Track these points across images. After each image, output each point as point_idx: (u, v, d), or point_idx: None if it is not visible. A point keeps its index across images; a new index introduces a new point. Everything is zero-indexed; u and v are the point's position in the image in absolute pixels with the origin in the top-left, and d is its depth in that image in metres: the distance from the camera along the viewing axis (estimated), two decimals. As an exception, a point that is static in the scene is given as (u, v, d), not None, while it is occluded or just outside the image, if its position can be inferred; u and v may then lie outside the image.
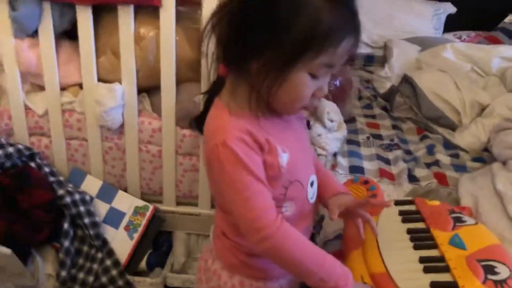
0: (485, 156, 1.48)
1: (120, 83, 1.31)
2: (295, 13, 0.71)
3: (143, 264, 1.38)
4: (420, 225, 0.99)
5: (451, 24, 2.73)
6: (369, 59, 2.39)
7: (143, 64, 1.29)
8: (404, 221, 1.00)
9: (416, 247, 0.92)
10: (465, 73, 1.75)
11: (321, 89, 0.79)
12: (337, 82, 1.64)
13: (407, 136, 1.64)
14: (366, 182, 1.15)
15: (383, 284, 0.85)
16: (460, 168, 1.40)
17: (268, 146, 0.78)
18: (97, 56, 1.29)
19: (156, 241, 1.44)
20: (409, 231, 0.97)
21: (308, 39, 0.72)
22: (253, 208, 0.76)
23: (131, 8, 1.22)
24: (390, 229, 0.99)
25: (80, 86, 1.35)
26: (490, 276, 0.83)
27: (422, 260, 0.89)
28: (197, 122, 0.91)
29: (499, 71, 1.86)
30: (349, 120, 1.69)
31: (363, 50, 2.41)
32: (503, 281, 0.83)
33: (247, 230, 0.78)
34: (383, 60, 2.24)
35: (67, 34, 1.33)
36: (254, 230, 0.76)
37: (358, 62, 2.41)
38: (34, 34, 1.27)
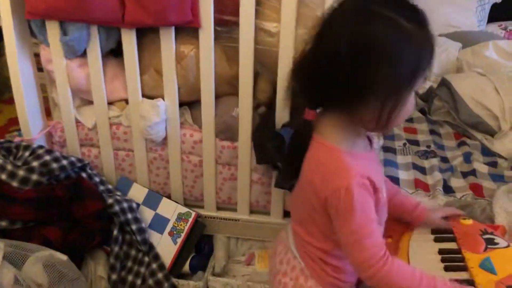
0: (524, 164, 1.47)
1: (163, 98, 1.38)
2: (407, 50, 0.75)
3: (186, 267, 1.47)
4: (452, 245, 1.01)
5: (496, 14, 2.65)
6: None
7: (184, 81, 1.35)
8: (437, 240, 1.03)
9: (446, 269, 0.96)
10: (507, 75, 1.72)
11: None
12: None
13: (444, 142, 1.63)
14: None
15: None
16: (498, 178, 1.40)
17: (375, 186, 0.84)
18: (141, 73, 1.37)
19: (198, 245, 1.52)
20: (441, 252, 1.00)
21: (420, 68, 0.77)
22: (364, 249, 0.82)
23: (172, 29, 1.28)
24: (422, 248, 1.03)
25: (126, 101, 1.43)
26: (518, 302, 0.86)
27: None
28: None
29: (544, 70, 1.82)
30: (386, 125, 1.70)
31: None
32: (532, 307, 0.85)
33: (358, 267, 0.85)
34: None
35: (113, 51, 1.41)
36: (364, 268, 0.83)
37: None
38: (83, 54, 1.36)
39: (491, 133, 1.58)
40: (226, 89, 1.38)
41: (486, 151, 1.55)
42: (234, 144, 1.41)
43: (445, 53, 2.06)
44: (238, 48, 1.27)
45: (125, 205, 1.42)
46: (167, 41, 1.29)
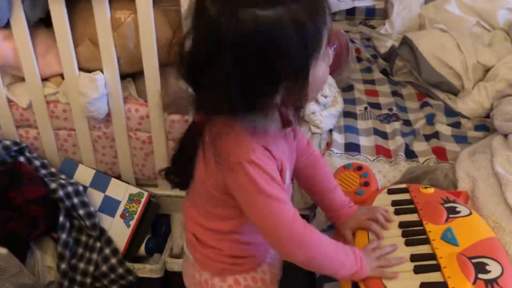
0: (487, 123, 1.42)
1: (102, 71, 1.26)
2: (283, 48, 0.67)
3: (142, 250, 1.39)
4: (413, 217, 0.96)
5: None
6: (370, 12, 2.27)
7: (123, 50, 1.24)
8: (397, 213, 0.98)
9: (407, 243, 0.90)
10: (469, 31, 1.66)
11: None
12: (332, 49, 1.56)
13: (407, 103, 1.57)
14: (359, 168, 1.11)
15: (372, 284, 0.84)
16: (461, 139, 1.35)
17: (281, 164, 0.78)
18: (75, 45, 1.24)
19: (154, 226, 1.44)
20: (401, 225, 0.94)
21: (307, 51, 0.69)
22: (284, 217, 0.76)
23: (104, -6, 1.15)
24: (382, 222, 0.97)
25: (62, 76, 1.30)
26: (481, 276, 0.81)
27: (413, 258, 0.86)
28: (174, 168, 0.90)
29: (506, 24, 1.76)
30: (347, 88, 1.62)
31: (363, 2, 2.29)
32: (494, 280, 0.81)
33: (280, 239, 0.77)
34: (385, 14, 2.13)
35: (44, 22, 1.27)
36: (288, 237, 0.76)
37: (358, 15, 2.30)
38: (7, 25, 1.21)
39: (454, 92, 1.53)
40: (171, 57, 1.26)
41: (449, 112, 1.49)
42: (185, 117, 1.31)
43: (406, 10, 1.97)
44: (180, 9, 1.15)
45: (70, 189, 1.32)
46: (100, 7, 1.16)
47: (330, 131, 1.39)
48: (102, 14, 1.17)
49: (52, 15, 1.18)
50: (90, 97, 1.24)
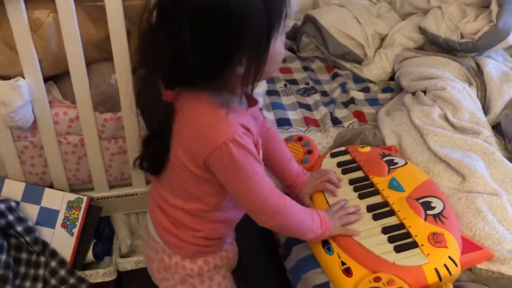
0: (391, 85, 1.59)
1: (23, 77, 1.18)
2: (246, 17, 0.71)
3: (90, 256, 1.35)
4: (359, 173, 1.07)
5: None
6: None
7: (45, 52, 1.17)
8: (344, 172, 1.08)
9: (360, 197, 1.01)
10: (361, 5, 1.82)
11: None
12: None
13: (319, 76, 1.69)
14: (300, 139, 1.20)
15: (341, 239, 0.93)
16: (373, 102, 1.50)
17: (256, 139, 0.83)
18: (-12, 51, 1.14)
19: (97, 230, 1.40)
20: (351, 182, 1.05)
21: (270, 22, 0.73)
22: (262, 189, 0.83)
23: (18, -7, 1.08)
24: (334, 182, 1.07)
25: (-25, 87, 1.19)
26: (429, 212, 0.95)
27: (369, 209, 0.98)
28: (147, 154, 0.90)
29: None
30: (262, 68, 1.70)
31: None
32: (440, 213, 0.95)
33: (258, 210, 0.85)
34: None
35: None
36: (267, 209, 0.84)
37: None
38: None
39: (359, 61, 1.68)
40: (97, 55, 1.23)
41: (357, 79, 1.64)
42: (118, 114, 1.28)
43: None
44: (104, 6, 1.13)
45: (1, 206, 1.23)
46: (15, 8, 1.08)
47: (260, 110, 1.45)
48: (17, 15, 1.09)
49: (-41, 20, 1.08)
50: (13, 105, 1.16)
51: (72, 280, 1.29)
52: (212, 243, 0.94)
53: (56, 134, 1.27)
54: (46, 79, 1.24)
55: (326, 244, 0.94)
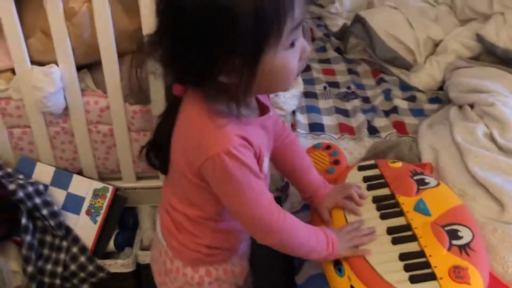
0: (440, 95, 1.48)
1: (57, 64, 1.20)
2: (233, 16, 0.64)
3: (111, 245, 1.36)
4: (385, 191, 0.99)
5: None
6: (318, -9, 2.29)
7: (78, 41, 1.18)
8: (369, 188, 1.01)
9: (382, 217, 0.93)
10: (417, 7, 1.71)
11: (304, 49, 0.74)
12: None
13: (363, 80, 1.61)
14: (328, 147, 1.14)
15: (354, 261, 0.87)
16: (418, 112, 1.40)
17: (259, 152, 0.77)
18: (26, 37, 1.17)
19: (121, 220, 1.41)
20: (375, 200, 0.97)
21: (261, 30, 0.66)
22: (260, 206, 0.77)
23: (55, -19, 1.09)
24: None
25: (13, 71, 1.23)
26: (454, 242, 0.85)
27: (390, 231, 0.90)
28: (153, 147, 0.87)
29: (448, -2, 1.83)
30: (304, 69, 1.64)
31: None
32: (467, 245, 0.85)
33: (255, 228, 0.80)
34: (334, -8, 2.15)
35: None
36: (262, 226, 0.79)
37: (307, -5, 2.31)
38: None
39: (407, 67, 1.58)
40: (129, 46, 1.22)
41: (404, 86, 1.54)
42: (147, 107, 1.28)
43: (354, -13, 2.01)
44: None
45: (30, 189, 1.26)
46: (51, -4, 1.10)
47: (293, 112, 1.40)
48: (54, 4, 1.11)
49: (-2, 6, 1.11)
50: (46, 91, 1.18)
51: (91, 268, 1.30)
52: (215, 252, 0.90)
53: (87, 122, 1.29)
54: (80, 67, 1.25)
55: (337, 264, 0.88)
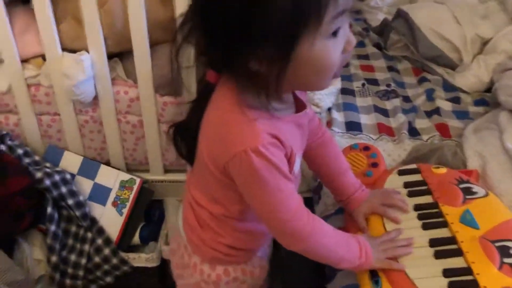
0: (487, 97, 1.39)
1: (87, 51, 1.17)
2: None
3: (136, 238, 1.33)
4: (427, 199, 0.92)
5: None
6: (358, -16, 2.20)
7: (110, 29, 1.15)
8: (410, 195, 0.94)
9: (424, 227, 0.87)
10: (465, 3, 1.61)
11: (349, 41, 0.67)
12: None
13: (404, 79, 1.53)
14: (366, 148, 1.07)
15: (392, 273, 0.80)
16: (462, 115, 1.32)
17: (291, 151, 0.71)
18: (57, 23, 1.14)
19: (147, 213, 1.38)
20: (417, 208, 0.90)
21: (298, 14, 0.59)
22: (287, 210, 0.72)
23: (88, -34, 1.05)
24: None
25: (43, 57, 1.20)
26: (506, 260, 0.78)
27: (432, 243, 0.83)
28: (180, 130, 0.82)
29: (499, -6, 1.72)
30: (342, 64, 1.56)
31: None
32: (520, 263, 0.78)
33: (281, 233, 0.75)
34: (374, -15, 2.06)
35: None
36: (289, 231, 0.73)
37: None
38: (-19, 2, 1.11)
39: (452, 66, 1.49)
40: (162, 35, 1.18)
41: (447, 86, 1.45)
42: (178, 99, 1.24)
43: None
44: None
45: (57, 177, 1.24)
46: (84, -19, 1.07)
47: (329, 109, 1.34)
48: (86, -11, 1.08)
49: (30, -11, 1.09)
50: (75, 79, 1.15)
51: (115, 261, 1.28)
52: (234, 252, 0.85)
53: (116, 112, 1.26)
54: (111, 56, 1.22)
55: (375, 276, 0.82)
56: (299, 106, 0.78)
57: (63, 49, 1.17)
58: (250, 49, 0.62)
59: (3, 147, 1.23)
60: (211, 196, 0.80)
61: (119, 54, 1.25)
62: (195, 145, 0.79)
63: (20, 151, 1.25)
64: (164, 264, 1.35)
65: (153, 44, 1.17)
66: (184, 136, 0.82)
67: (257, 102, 0.68)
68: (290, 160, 0.73)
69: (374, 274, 0.82)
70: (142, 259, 1.30)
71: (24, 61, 1.21)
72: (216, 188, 0.77)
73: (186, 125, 0.81)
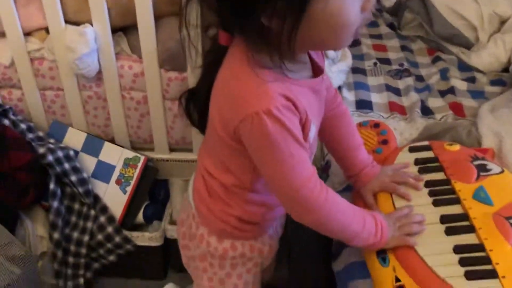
0: (504, 77, 1.34)
1: (91, 23, 1.14)
2: None
3: (139, 217, 1.31)
4: (439, 175, 0.88)
5: None
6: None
7: (114, 2, 1.12)
8: (422, 171, 0.90)
9: (435, 203, 0.83)
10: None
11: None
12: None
13: (418, 58, 1.48)
14: (376, 125, 1.03)
15: (401, 250, 0.77)
16: (478, 95, 1.27)
17: (306, 117, 0.68)
18: (60, -6, 1.12)
19: (152, 192, 1.36)
20: (428, 184, 0.87)
21: None
22: (298, 177, 0.68)
23: None
24: (406, 182, 0.89)
25: (47, 30, 1.18)
26: (521, 237, 0.74)
27: (443, 220, 0.79)
28: (192, 96, 0.80)
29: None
30: (353, 43, 1.51)
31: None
32: (535, 241, 0.74)
33: (292, 202, 0.71)
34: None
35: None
36: (300, 201, 0.70)
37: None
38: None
39: (467, 45, 1.43)
40: (167, 8, 1.15)
41: (462, 66, 1.40)
42: (183, 74, 1.20)
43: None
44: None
45: (60, 153, 1.22)
46: (87, -51, 1.04)
47: (339, 88, 1.30)
48: (89, -43, 1.05)
49: (33, -41, 1.06)
50: (79, 52, 1.12)
51: (117, 239, 1.26)
52: (243, 226, 0.82)
53: (120, 88, 1.23)
54: (115, 30, 1.19)
55: (381, 253, 0.78)
56: (316, 71, 0.74)
57: (66, 22, 1.15)
58: (261, 2, 0.59)
59: (6, 122, 1.21)
60: (223, 165, 0.78)
61: (124, 28, 1.22)
62: (206, 111, 0.76)
63: (23, 126, 1.24)
64: (168, 244, 1.32)
65: (158, 17, 1.14)
66: (196, 103, 0.80)
67: (270, 63, 0.65)
68: (304, 126, 0.69)
69: (381, 251, 0.78)
70: (145, 238, 1.27)
71: (27, 34, 1.19)
72: (228, 155, 0.75)
73: (198, 90, 0.79)
